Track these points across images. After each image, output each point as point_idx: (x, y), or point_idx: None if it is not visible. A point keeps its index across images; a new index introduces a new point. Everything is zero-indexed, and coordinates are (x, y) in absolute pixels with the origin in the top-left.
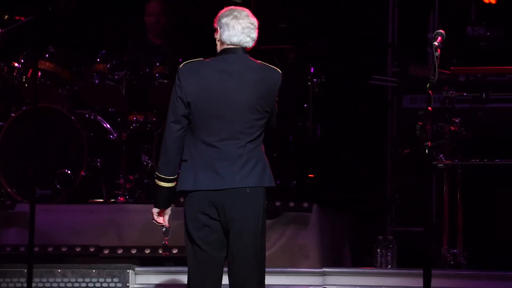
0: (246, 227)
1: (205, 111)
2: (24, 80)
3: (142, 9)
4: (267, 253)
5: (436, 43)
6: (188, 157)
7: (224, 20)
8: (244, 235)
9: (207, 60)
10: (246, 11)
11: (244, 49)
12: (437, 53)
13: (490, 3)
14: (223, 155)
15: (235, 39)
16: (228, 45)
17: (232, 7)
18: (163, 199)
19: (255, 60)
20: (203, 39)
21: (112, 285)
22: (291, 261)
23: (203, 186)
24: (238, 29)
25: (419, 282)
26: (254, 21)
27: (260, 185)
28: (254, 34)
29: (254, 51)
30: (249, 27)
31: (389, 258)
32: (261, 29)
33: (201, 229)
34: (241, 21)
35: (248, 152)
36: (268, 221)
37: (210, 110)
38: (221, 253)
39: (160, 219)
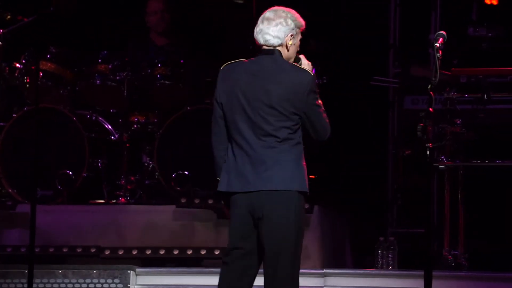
0: (273, 230)
1: (233, 112)
2: (25, 80)
3: (143, 9)
4: None
5: (437, 44)
6: (226, 158)
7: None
8: (272, 237)
9: (245, 61)
10: (281, 9)
11: (278, 49)
12: (439, 54)
13: (491, 4)
14: (250, 157)
15: (259, 37)
16: (260, 45)
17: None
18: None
19: (288, 62)
20: (206, 38)
21: (113, 286)
22: None
23: (233, 188)
24: (260, 27)
25: (420, 283)
26: (281, 19)
27: (285, 189)
28: (277, 32)
29: (255, 52)
30: (270, 24)
31: (390, 259)
32: None
33: (237, 229)
34: (265, 20)
35: (275, 155)
36: None
37: (238, 112)
38: (250, 259)
39: None
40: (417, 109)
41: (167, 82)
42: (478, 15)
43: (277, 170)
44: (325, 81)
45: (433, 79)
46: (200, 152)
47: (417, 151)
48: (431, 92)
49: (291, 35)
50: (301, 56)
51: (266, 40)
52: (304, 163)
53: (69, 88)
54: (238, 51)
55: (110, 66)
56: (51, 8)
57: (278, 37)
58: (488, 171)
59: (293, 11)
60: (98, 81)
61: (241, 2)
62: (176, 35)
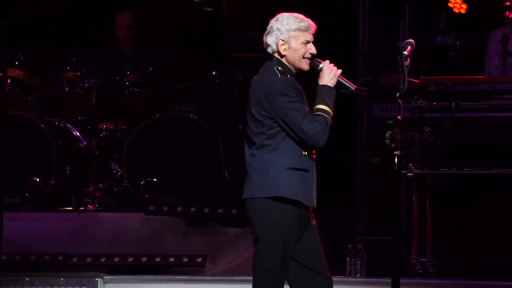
0: (253, 238)
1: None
2: None
3: (113, 18)
4: (236, 262)
5: (405, 52)
6: None
7: None
8: (254, 245)
9: None
10: (276, 16)
11: (275, 56)
12: (407, 62)
13: (459, 13)
14: (244, 166)
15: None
16: None
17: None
18: None
19: (273, 67)
20: (175, 47)
21: None
22: None
23: None
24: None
25: None
26: (270, 26)
27: (258, 196)
28: (268, 40)
29: (224, 60)
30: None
31: (358, 266)
32: (232, 38)
33: None
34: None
35: (254, 162)
36: (237, 230)
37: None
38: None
39: None
40: (385, 117)
41: (136, 89)
42: (446, 24)
43: (253, 178)
44: None
45: (402, 87)
46: (169, 159)
47: (386, 159)
48: (399, 100)
49: (282, 40)
50: (325, 62)
51: (266, 49)
52: (290, 168)
53: (37, 95)
54: (209, 59)
55: (78, 74)
56: (19, 15)
57: (269, 45)
58: (456, 178)
59: (289, 15)
60: (66, 88)
61: (211, 10)
62: (144, 48)
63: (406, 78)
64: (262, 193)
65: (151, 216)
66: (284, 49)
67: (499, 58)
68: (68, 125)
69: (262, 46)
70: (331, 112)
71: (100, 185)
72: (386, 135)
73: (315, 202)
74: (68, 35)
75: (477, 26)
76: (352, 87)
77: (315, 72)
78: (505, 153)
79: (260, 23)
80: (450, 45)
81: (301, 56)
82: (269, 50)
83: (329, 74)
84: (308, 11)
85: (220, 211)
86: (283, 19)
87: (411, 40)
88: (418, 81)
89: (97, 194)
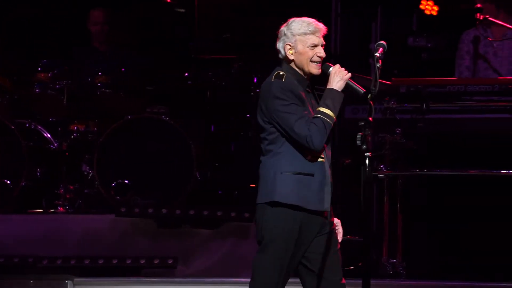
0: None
1: None
2: None
3: (86, 16)
4: (208, 263)
5: (377, 54)
6: None
7: None
8: None
9: None
10: (289, 20)
11: (285, 62)
12: (379, 64)
13: (431, 15)
14: None
15: None
16: None
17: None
18: None
19: (275, 72)
20: (147, 48)
21: None
22: (232, 271)
23: None
24: None
25: None
26: (280, 30)
27: (260, 202)
28: (277, 44)
29: (197, 61)
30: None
31: None
32: (204, 39)
33: None
34: None
35: (260, 168)
36: (208, 231)
37: None
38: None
39: None
40: (357, 118)
41: (107, 90)
42: (418, 26)
43: (259, 184)
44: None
45: (373, 88)
46: (140, 161)
47: (357, 160)
48: (371, 102)
49: (289, 45)
50: (335, 66)
51: (278, 55)
52: (289, 172)
53: (7, 96)
54: (181, 60)
55: (50, 75)
56: None
57: (279, 50)
58: (426, 180)
59: (298, 20)
60: (37, 90)
61: (183, 11)
62: (117, 44)
63: (378, 80)
64: (262, 199)
65: (122, 218)
66: (291, 53)
67: (470, 58)
68: (39, 127)
69: (234, 47)
70: (333, 116)
71: (71, 187)
72: (358, 136)
73: (325, 205)
74: (40, 36)
75: (449, 28)
76: (361, 90)
77: (326, 76)
78: (475, 154)
79: (233, 24)
80: (422, 47)
81: (309, 60)
82: (280, 55)
83: (336, 78)
84: (279, 12)
85: (191, 212)
86: (291, 24)
87: (383, 42)
88: (389, 82)
89: (67, 196)
